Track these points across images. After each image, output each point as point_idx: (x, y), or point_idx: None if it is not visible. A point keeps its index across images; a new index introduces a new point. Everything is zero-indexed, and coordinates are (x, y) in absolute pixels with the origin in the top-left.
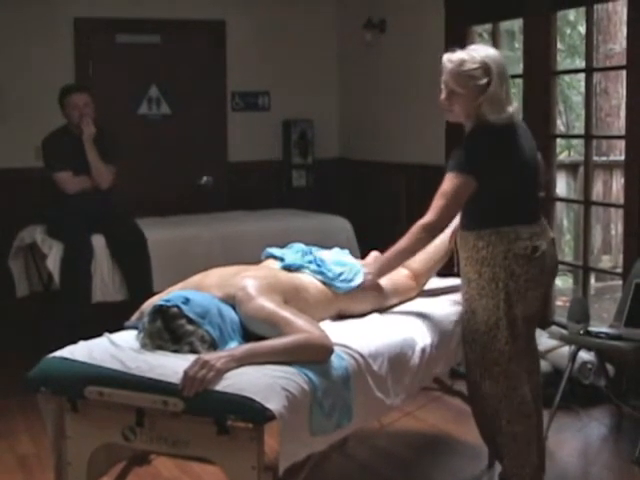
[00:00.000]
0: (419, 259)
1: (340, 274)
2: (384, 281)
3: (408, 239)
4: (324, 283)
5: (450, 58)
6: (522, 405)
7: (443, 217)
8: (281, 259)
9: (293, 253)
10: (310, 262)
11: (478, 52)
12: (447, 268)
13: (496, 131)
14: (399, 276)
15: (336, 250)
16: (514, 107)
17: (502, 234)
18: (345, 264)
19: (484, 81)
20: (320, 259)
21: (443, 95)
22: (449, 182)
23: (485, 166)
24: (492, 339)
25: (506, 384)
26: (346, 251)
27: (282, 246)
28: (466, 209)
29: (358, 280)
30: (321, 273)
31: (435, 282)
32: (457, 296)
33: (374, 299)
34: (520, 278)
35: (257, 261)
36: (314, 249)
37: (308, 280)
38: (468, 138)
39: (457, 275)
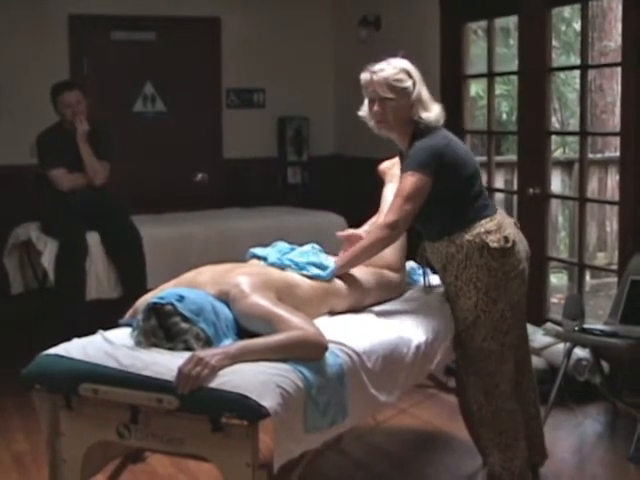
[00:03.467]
0: (390, 252)
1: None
2: (369, 275)
3: (369, 238)
4: (311, 278)
5: (371, 70)
6: (505, 402)
7: (402, 215)
8: (264, 258)
9: (276, 252)
10: (290, 261)
11: (394, 62)
12: None
13: (437, 131)
14: (381, 270)
15: (308, 246)
16: (439, 107)
17: (472, 234)
18: (315, 254)
19: (409, 83)
20: (293, 261)
21: (376, 107)
22: (406, 181)
23: (439, 164)
24: (470, 337)
25: (489, 380)
26: (317, 247)
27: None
28: (429, 220)
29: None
30: (302, 268)
31: (430, 279)
32: None
33: (361, 294)
34: (498, 272)
35: (246, 259)
36: (296, 248)
37: (298, 277)
38: (417, 140)
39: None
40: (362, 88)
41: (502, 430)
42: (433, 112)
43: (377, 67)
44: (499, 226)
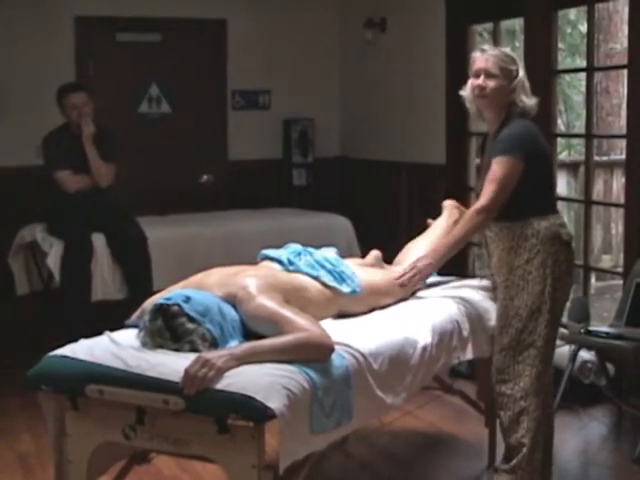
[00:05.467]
0: (416, 254)
1: (342, 277)
2: (382, 280)
3: (465, 225)
4: (325, 285)
5: (482, 48)
6: (547, 395)
7: (496, 200)
8: (278, 261)
9: (289, 254)
10: (310, 266)
11: (503, 48)
12: (448, 267)
13: (528, 120)
14: (394, 274)
15: (331, 251)
16: (536, 99)
17: (549, 222)
18: (342, 264)
19: (514, 67)
20: (324, 259)
21: (480, 80)
22: (499, 166)
23: (532, 149)
24: (534, 323)
25: (541, 367)
26: (333, 249)
27: (281, 245)
28: (512, 200)
29: (357, 281)
30: (317, 278)
31: (436, 280)
32: (458, 293)
33: (374, 298)
34: (563, 264)
35: (257, 260)
36: (310, 250)
37: (307, 280)
38: (510, 123)
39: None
40: (469, 66)
41: (539, 422)
42: (534, 100)
43: (487, 46)
44: (564, 223)
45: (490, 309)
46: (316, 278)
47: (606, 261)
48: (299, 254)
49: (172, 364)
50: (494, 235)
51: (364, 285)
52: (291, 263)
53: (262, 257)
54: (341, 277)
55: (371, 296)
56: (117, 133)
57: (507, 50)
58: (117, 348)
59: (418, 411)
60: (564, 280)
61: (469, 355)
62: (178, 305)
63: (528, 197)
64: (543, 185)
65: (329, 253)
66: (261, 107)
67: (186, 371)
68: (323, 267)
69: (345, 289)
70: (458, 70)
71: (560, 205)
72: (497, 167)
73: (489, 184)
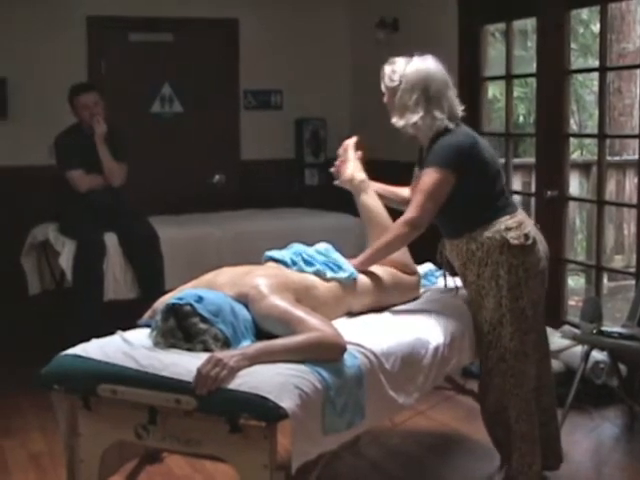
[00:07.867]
0: (401, 254)
1: (338, 265)
2: (384, 275)
3: (390, 235)
4: (329, 279)
5: (391, 59)
6: (528, 405)
7: (424, 213)
8: (282, 262)
9: (291, 254)
10: (308, 264)
11: (413, 61)
12: None
13: (458, 130)
14: (396, 270)
15: (322, 245)
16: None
17: (492, 230)
18: (333, 252)
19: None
20: (316, 252)
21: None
22: (428, 178)
23: (463, 161)
24: (497, 337)
25: (513, 381)
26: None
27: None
28: (450, 217)
29: (351, 267)
30: (318, 272)
31: (449, 281)
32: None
33: (377, 294)
34: (519, 269)
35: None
36: (305, 248)
37: (315, 279)
38: (441, 136)
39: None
40: None
41: (523, 434)
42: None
43: (395, 59)
44: (519, 224)
45: None
46: (317, 274)
47: (618, 261)
48: (300, 254)
49: (184, 364)
50: (448, 253)
51: (369, 283)
52: (294, 263)
53: (266, 258)
54: (337, 265)
55: (377, 292)
56: (126, 133)
57: (412, 64)
58: (129, 348)
59: (430, 411)
60: (527, 285)
61: None
62: (190, 305)
63: (466, 212)
64: (482, 195)
65: (321, 246)
66: (273, 107)
67: (198, 371)
68: (317, 261)
69: (343, 274)
70: (471, 70)
71: (572, 205)
72: (425, 179)
73: (417, 195)
